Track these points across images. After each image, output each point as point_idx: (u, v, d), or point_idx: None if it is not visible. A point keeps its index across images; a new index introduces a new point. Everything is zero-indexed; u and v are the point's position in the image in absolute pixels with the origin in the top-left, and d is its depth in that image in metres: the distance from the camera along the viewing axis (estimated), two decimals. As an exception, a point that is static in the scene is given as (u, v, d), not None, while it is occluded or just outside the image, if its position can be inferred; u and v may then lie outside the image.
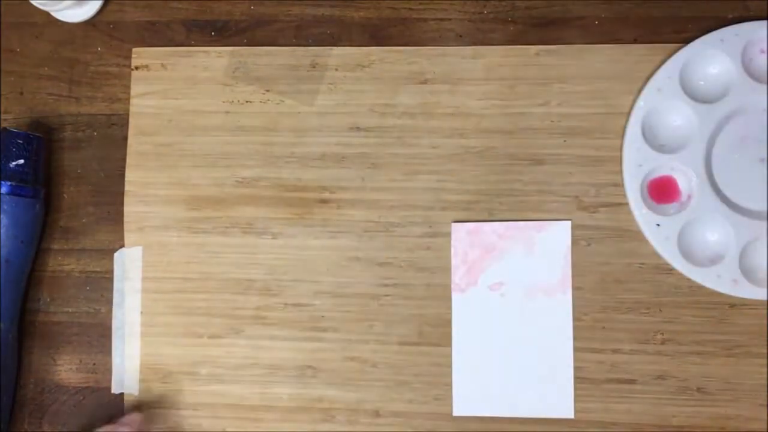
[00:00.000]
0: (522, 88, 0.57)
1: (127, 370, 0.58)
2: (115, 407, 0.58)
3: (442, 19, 0.58)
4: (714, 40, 0.55)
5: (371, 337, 0.57)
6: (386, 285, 0.57)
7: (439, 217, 0.57)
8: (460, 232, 0.56)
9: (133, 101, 0.59)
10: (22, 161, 0.56)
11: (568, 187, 0.56)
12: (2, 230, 0.55)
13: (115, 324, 0.58)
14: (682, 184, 0.55)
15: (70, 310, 0.59)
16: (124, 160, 0.59)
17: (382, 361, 0.56)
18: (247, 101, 0.59)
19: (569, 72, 0.57)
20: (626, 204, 0.56)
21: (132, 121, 0.59)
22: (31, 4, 0.58)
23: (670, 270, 0.55)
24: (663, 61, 0.56)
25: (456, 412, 0.55)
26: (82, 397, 0.58)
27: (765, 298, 0.54)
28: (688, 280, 0.55)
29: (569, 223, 0.56)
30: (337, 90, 0.58)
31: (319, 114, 0.58)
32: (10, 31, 0.61)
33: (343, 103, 0.58)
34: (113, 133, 0.60)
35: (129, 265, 0.58)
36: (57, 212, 0.59)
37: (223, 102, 0.59)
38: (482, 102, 0.57)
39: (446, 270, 0.56)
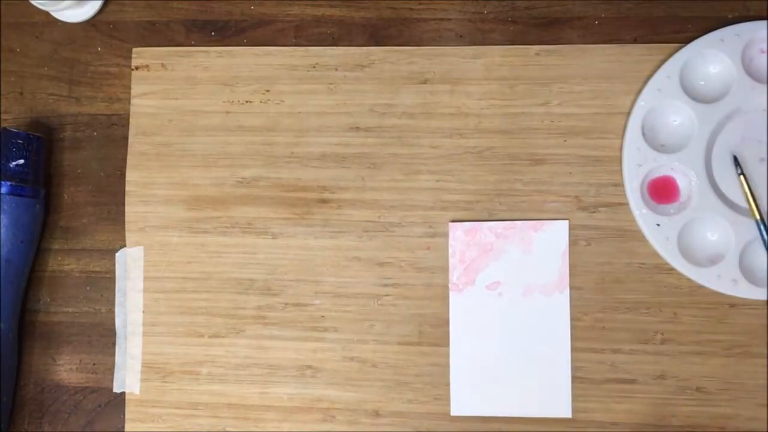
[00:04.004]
0: (522, 88, 0.57)
1: (129, 370, 0.58)
2: (115, 407, 0.58)
3: (442, 19, 0.58)
4: (714, 40, 0.55)
5: (371, 337, 0.57)
6: (386, 285, 0.57)
7: (439, 217, 0.57)
8: (458, 232, 0.56)
9: (133, 101, 0.59)
10: (22, 161, 0.56)
11: (567, 187, 0.56)
12: (2, 230, 0.55)
13: (118, 323, 0.58)
14: (682, 184, 0.55)
15: (70, 310, 0.59)
16: (124, 160, 0.59)
17: (382, 361, 0.56)
18: (247, 101, 0.59)
19: (569, 72, 0.57)
20: (626, 204, 0.56)
21: (132, 121, 0.59)
22: (31, 4, 0.58)
23: (670, 270, 0.55)
24: (663, 61, 0.56)
25: (453, 412, 0.55)
26: (82, 397, 0.58)
27: (765, 298, 0.54)
28: (688, 280, 0.55)
29: (566, 222, 0.56)
30: (337, 90, 0.58)
31: (319, 114, 0.58)
32: (10, 31, 0.61)
33: (343, 103, 0.58)
34: (113, 133, 0.60)
35: (131, 265, 0.58)
36: (57, 212, 0.60)
37: (223, 102, 0.59)
38: (482, 102, 0.57)
39: (446, 270, 0.56)
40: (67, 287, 0.59)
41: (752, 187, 0.53)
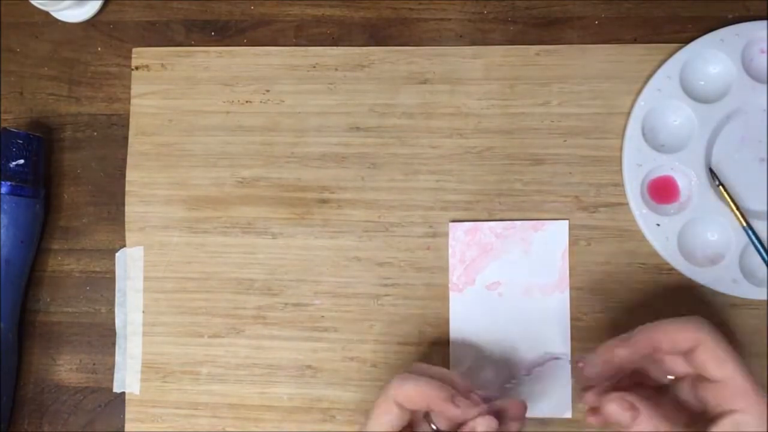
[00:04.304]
0: (522, 88, 0.57)
1: (129, 369, 0.58)
2: (115, 407, 0.58)
3: (442, 19, 0.58)
4: (714, 40, 0.55)
5: (371, 337, 0.57)
6: (386, 285, 0.57)
7: (439, 217, 0.57)
8: (458, 232, 0.56)
9: (133, 101, 0.59)
10: (22, 161, 0.56)
11: (567, 187, 0.56)
12: (2, 230, 0.55)
13: (118, 323, 0.58)
14: (682, 184, 0.55)
15: (70, 310, 0.59)
16: (124, 160, 0.59)
17: (382, 361, 0.56)
18: (247, 101, 0.59)
19: (569, 72, 0.57)
20: (626, 204, 0.56)
21: (132, 121, 0.59)
22: (31, 4, 0.58)
23: (670, 270, 0.55)
24: (663, 61, 0.56)
25: (455, 412, 0.55)
26: (82, 397, 0.58)
27: (765, 298, 0.54)
28: (688, 280, 0.55)
29: (566, 222, 0.56)
30: (337, 90, 0.58)
31: (319, 114, 0.58)
32: (10, 31, 0.61)
33: (343, 103, 0.58)
34: (113, 133, 0.60)
35: (130, 265, 0.58)
36: (57, 212, 0.60)
37: (223, 102, 0.59)
38: (482, 102, 0.57)
39: (446, 270, 0.56)
40: (67, 287, 0.59)
41: (732, 196, 0.54)
